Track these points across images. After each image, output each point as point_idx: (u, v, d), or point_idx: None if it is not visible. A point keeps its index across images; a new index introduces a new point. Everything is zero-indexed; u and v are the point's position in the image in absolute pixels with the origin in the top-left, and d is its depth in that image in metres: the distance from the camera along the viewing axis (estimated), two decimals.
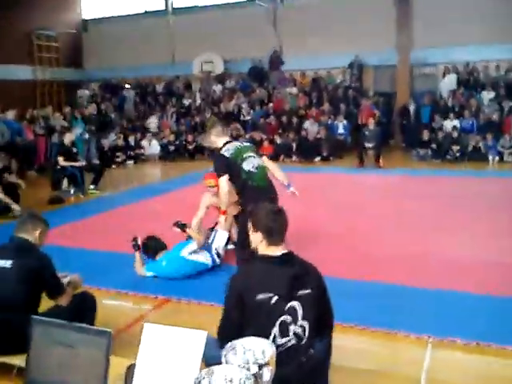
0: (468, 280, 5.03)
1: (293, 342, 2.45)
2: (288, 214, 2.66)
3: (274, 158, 13.95)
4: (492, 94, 14.58)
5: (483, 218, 7.25)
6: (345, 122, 15.35)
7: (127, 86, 19.98)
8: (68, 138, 10.12)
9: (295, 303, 2.44)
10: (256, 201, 4.07)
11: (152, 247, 5.38)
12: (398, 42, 16.74)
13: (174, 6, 20.28)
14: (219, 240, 5.45)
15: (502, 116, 13.81)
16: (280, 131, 15.39)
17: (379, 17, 16.60)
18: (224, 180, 4.55)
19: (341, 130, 15.33)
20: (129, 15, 20.85)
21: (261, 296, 2.41)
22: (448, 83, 15.55)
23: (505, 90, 14.59)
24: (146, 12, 20.66)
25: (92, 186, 10.20)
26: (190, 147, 15.13)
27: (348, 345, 3.86)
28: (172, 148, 15.25)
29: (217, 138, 4.80)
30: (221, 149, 4.66)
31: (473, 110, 14.08)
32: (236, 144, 4.76)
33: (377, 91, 17.01)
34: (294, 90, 17.06)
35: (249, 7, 18.26)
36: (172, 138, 15.52)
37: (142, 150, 15.39)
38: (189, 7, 19.93)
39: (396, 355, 3.84)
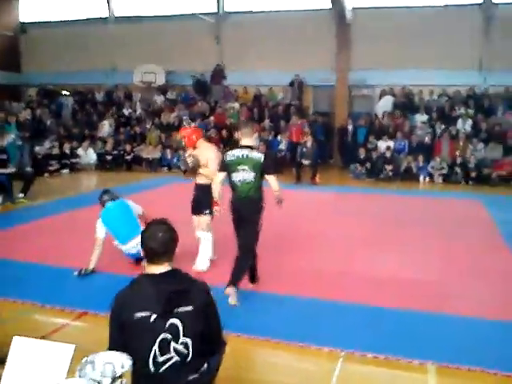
0: (385, 295, 5.14)
1: (175, 359, 2.42)
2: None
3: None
4: (425, 117, 15.22)
5: (410, 235, 7.49)
6: (286, 139, 15.54)
7: (65, 92, 19.45)
8: None
9: (176, 320, 2.41)
10: (233, 211, 5.00)
11: None
12: (337, 63, 17.24)
13: (117, 14, 20.02)
14: None
15: (433, 139, 14.40)
16: (221, 145, 15.36)
17: (319, 38, 17.06)
18: (218, 176, 5.14)
19: (281, 147, 15.50)
20: (71, 20, 20.39)
21: (139, 314, 2.38)
22: (384, 105, 16.12)
23: (437, 113, 15.27)
24: (88, 19, 20.26)
25: (21, 195, 9.79)
26: (128, 157, 14.84)
27: (261, 358, 3.85)
28: (109, 157, 14.90)
29: (239, 137, 5.25)
30: (231, 149, 5.11)
31: (406, 132, 14.61)
32: (240, 153, 4.96)
33: (316, 110, 17.41)
34: (237, 105, 17.14)
35: (192, 20, 18.28)
36: (110, 147, 15.18)
37: (78, 159, 14.94)
38: (132, 16, 19.73)
39: (308, 369, 3.86)
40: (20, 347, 1.88)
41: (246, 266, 5.02)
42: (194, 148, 5.83)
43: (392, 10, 16.82)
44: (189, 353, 2.44)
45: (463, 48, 15.79)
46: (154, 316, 2.39)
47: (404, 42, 16.11)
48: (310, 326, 4.40)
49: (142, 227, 4.82)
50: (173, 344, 2.41)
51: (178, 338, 2.42)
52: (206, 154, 5.72)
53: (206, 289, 2.60)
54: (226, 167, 5.00)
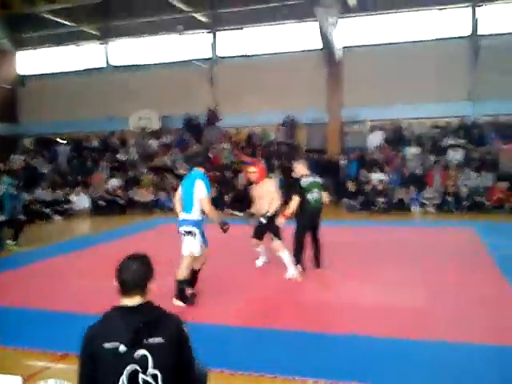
0: (372, 324, 5.07)
1: None
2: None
3: None
4: (415, 150, 15.36)
5: (402, 265, 7.43)
6: (279, 176, 15.61)
7: (61, 140, 19.74)
8: None
9: (145, 352, 2.39)
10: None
11: None
12: (328, 101, 17.56)
13: (113, 63, 20.53)
14: None
15: (425, 170, 14.48)
16: (215, 185, 15.44)
17: (311, 77, 17.43)
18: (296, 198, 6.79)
19: None
20: (68, 72, 20.92)
21: (108, 345, 2.37)
22: (375, 139, 16.31)
23: (427, 145, 15.42)
24: (84, 69, 20.80)
25: (9, 241, 9.80)
26: (122, 202, 14.89)
27: None
28: (103, 203, 14.96)
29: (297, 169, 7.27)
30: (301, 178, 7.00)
31: (398, 164, 14.71)
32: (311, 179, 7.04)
33: (309, 148, 17.59)
34: (229, 146, 17.35)
35: (186, 66, 18.74)
36: (103, 192, 15.26)
37: (71, 205, 15.00)
38: (126, 65, 20.24)
39: None
40: None
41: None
42: (257, 182, 7.00)
43: (380, 47, 17.26)
44: None
45: (452, 80, 16.11)
46: (122, 347, 2.37)
47: (393, 78, 16.44)
48: (293, 359, 4.32)
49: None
50: (141, 375, 2.38)
51: (147, 370, 2.39)
52: (268, 186, 7.00)
53: (179, 322, 2.57)
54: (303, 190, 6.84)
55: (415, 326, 5.00)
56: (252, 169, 7.15)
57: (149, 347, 2.40)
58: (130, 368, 2.37)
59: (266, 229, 6.93)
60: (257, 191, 7.08)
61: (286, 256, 6.88)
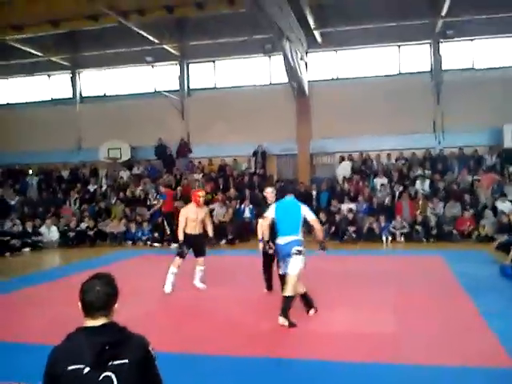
0: (341, 349, 5.11)
1: None
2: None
3: None
4: (384, 180, 15.69)
5: (371, 292, 7.52)
6: (251, 206, 15.72)
7: (30, 171, 19.47)
8: None
9: (110, 374, 2.35)
10: None
11: None
12: (297, 133, 17.90)
13: (83, 94, 20.52)
14: None
15: (393, 200, 14.78)
16: None
17: (281, 110, 17.81)
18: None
19: (247, 214, 15.64)
20: (36, 102, 20.79)
21: (72, 367, 2.32)
22: (343, 170, 16.63)
23: (395, 176, 15.78)
24: (52, 99, 20.70)
25: None
26: (91, 233, 14.69)
27: None
28: (72, 234, 14.72)
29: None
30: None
31: (367, 195, 14.98)
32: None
33: (280, 178, 17.80)
34: (200, 177, 17.40)
35: (157, 98, 18.87)
36: (73, 224, 15.03)
37: (41, 237, 14.71)
38: (96, 96, 20.25)
39: None
40: None
41: None
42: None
43: (346, 81, 17.79)
44: None
45: (417, 113, 16.66)
46: (87, 369, 2.32)
47: (360, 111, 16.90)
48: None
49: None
50: None
51: None
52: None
53: (145, 343, 2.54)
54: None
55: (384, 350, 5.05)
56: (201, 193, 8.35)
57: (114, 369, 2.35)
58: None
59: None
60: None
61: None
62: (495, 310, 6.27)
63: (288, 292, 5.99)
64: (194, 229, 8.00)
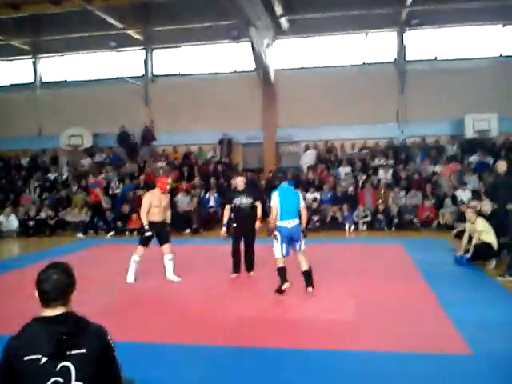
0: (303, 337, 5.14)
1: None
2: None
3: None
4: (348, 169, 15.85)
5: (332, 280, 7.58)
6: (216, 194, 15.64)
7: None
8: None
9: (67, 363, 2.32)
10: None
11: None
12: (263, 121, 17.87)
13: (43, 79, 19.93)
14: None
15: (356, 189, 14.95)
16: None
17: (247, 98, 17.74)
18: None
19: (212, 203, 15.55)
20: None
21: (28, 357, 2.29)
22: (308, 159, 16.72)
23: (359, 165, 15.96)
24: (12, 85, 20.03)
25: None
26: (51, 222, 14.34)
27: None
28: (32, 223, 14.34)
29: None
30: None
31: (331, 184, 15.10)
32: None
33: (246, 167, 17.76)
34: (164, 165, 17.18)
35: (120, 84, 18.49)
36: (33, 212, 14.64)
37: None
38: (57, 81, 19.71)
39: None
40: None
41: None
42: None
43: (312, 70, 17.84)
44: None
45: (381, 103, 16.87)
46: (44, 359, 2.30)
47: (325, 100, 17.00)
48: (224, 375, 4.29)
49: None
50: None
51: (70, 382, 2.32)
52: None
53: (103, 332, 2.52)
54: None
55: (344, 337, 5.11)
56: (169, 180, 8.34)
57: (71, 358, 2.33)
58: (52, 380, 2.30)
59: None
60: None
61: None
62: (452, 297, 6.41)
63: (306, 266, 6.86)
64: (157, 215, 7.79)
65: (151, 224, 7.76)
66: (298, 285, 6.89)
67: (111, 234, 13.90)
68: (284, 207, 6.78)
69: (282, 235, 6.75)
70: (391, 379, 4.09)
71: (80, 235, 13.87)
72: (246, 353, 4.77)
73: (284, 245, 6.79)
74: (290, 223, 6.77)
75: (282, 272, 6.79)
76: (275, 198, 6.81)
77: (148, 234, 7.71)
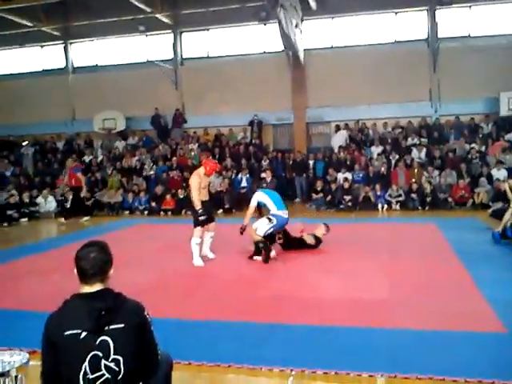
0: (336, 315, 5.20)
1: (106, 376, 2.41)
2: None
3: (177, 211, 14.03)
4: (380, 149, 15.67)
5: (367, 259, 7.60)
6: (247, 175, 15.73)
7: (25, 143, 19.37)
8: None
9: (106, 338, 2.42)
10: None
11: None
12: (293, 102, 17.76)
13: (75, 64, 20.24)
14: None
15: (389, 168, 14.79)
16: (184, 185, 15.40)
17: (276, 79, 17.64)
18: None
19: (243, 184, 15.66)
20: (28, 72, 20.52)
21: (69, 332, 2.39)
22: (339, 139, 16.59)
23: (391, 145, 15.76)
24: (44, 70, 20.42)
25: None
26: (88, 203, 14.70)
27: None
28: (69, 205, 14.73)
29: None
30: None
31: (363, 164, 14.98)
32: None
33: (276, 148, 17.77)
34: (196, 147, 17.34)
35: (150, 67, 18.63)
36: (70, 194, 15.01)
37: (38, 207, 14.73)
38: (89, 66, 19.99)
39: None
40: None
41: None
42: None
43: (342, 50, 17.57)
44: (120, 371, 2.43)
45: (413, 81, 16.54)
46: (84, 333, 2.39)
47: (356, 79, 16.74)
48: (260, 349, 4.39)
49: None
50: (103, 361, 2.40)
51: (109, 356, 2.41)
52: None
53: (140, 307, 2.60)
54: None
55: (377, 316, 5.13)
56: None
57: (110, 333, 2.42)
58: (92, 354, 2.39)
59: None
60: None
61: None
62: (487, 276, 6.35)
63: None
64: (205, 195, 7.77)
65: (203, 203, 7.62)
66: (327, 264, 6.93)
67: (86, 218, 13.77)
68: (275, 200, 7.88)
69: (278, 222, 7.64)
70: (424, 356, 4.10)
71: (61, 220, 13.85)
72: (276, 329, 4.85)
73: (272, 229, 7.69)
74: (286, 213, 7.89)
75: (264, 243, 7.56)
76: (261, 196, 7.96)
77: (202, 218, 7.49)
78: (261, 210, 8.37)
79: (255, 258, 7.68)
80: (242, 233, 7.96)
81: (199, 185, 7.55)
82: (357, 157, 15.50)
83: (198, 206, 7.46)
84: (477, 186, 13.39)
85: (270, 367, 4.03)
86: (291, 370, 3.97)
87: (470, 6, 16.56)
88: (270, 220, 7.57)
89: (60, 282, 5.79)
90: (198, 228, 7.63)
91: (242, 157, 16.58)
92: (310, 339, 4.56)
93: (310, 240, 8.39)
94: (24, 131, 19.73)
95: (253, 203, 7.99)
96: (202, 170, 7.74)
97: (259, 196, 8.02)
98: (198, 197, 7.49)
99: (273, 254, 7.63)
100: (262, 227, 7.61)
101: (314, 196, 14.13)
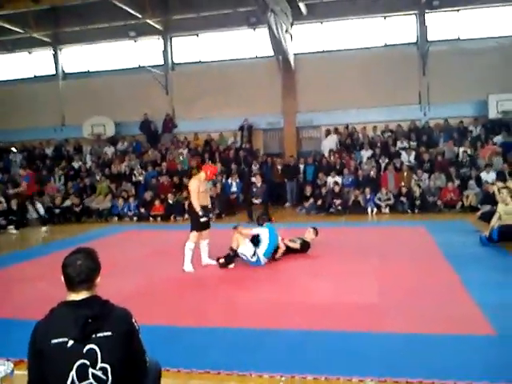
0: (326, 319, 5.19)
1: None
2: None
3: (166, 217, 13.97)
4: (369, 153, 15.73)
5: (356, 262, 7.61)
6: (237, 180, 15.72)
7: (13, 149, 19.23)
8: None
9: (93, 346, 2.39)
10: None
11: None
12: (283, 106, 17.80)
13: (65, 70, 20.15)
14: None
15: (378, 172, 14.84)
16: (173, 190, 15.36)
17: (267, 83, 17.68)
18: None
19: (234, 189, 15.64)
20: (17, 79, 20.41)
21: (56, 341, 2.36)
22: (329, 143, 16.64)
23: (381, 148, 15.82)
24: (34, 76, 20.31)
25: None
26: (77, 209, 14.61)
27: None
28: (58, 211, 14.63)
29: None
30: None
31: (352, 168, 15.03)
32: None
33: (267, 152, 17.79)
34: (185, 152, 17.30)
35: (140, 73, 18.59)
36: (58, 201, 14.92)
37: (26, 214, 14.60)
38: (79, 72, 19.91)
39: None
40: None
41: None
42: None
43: (332, 54, 17.64)
44: (108, 379, 2.40)
45: (402, 85, 16.65)
46: (70, 342, 2.37)
47: (346, 83, 16.82)
48: (250, 355, 4.37)
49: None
50: (91, 370, 2.38)
51: (96, 364, 2.39)
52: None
53: (128, 315, 2.57)
54: None
55: (366, 319, 5.13)
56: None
57: (97, 341, 2.40)
58: (79, 363, 2.37)
59: None
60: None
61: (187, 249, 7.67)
62: (476, 279, 6.38)
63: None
64: (204, 200, 7.78)
65: (203, 208, 7.65)
66: (316, 267, 6.93)
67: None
68: (270, 247, 7.76)
69: (253, 262, 7.63)
70: (414, 360, 4.11)
71: (12, 230, 13.59)
72: (266, 335, 4.84)
73: (245, 260, 7.67)
74: (265, 261, 7.72)
75: (233, 256, 7.72)
76: (265, 235, 7.77)
77: (204, 219, 7.60)
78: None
79: (229, 266, 7.72)
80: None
81: (198, 188, 7.60)
82: (347, 161, 15.54)
83: (197, 208, 7.51)
84: (466, 188, 13.47)
85: (259, 373, 4.01)
86: (281, 376, 3.96)
87: (458, 10, 16.70)
88: (253, 254, 7.64)
89: (47, 290, 5.73)
90: (195, 233, 7.67)
91: (232, 161, 16.57)
92: (299, 344, 4.55)
93: (292, 244, 8.33)
94: (13, 137, 19.61)
95: (254, 232, 7.94)
96: (202, 175, 7.79)
97: (264, 233, 7.84)
98: (197, 201, 7.54)
99: (231, 266, 7.70)
100: (245, 251, 7.68)
101: (306, 204, 14.09)
